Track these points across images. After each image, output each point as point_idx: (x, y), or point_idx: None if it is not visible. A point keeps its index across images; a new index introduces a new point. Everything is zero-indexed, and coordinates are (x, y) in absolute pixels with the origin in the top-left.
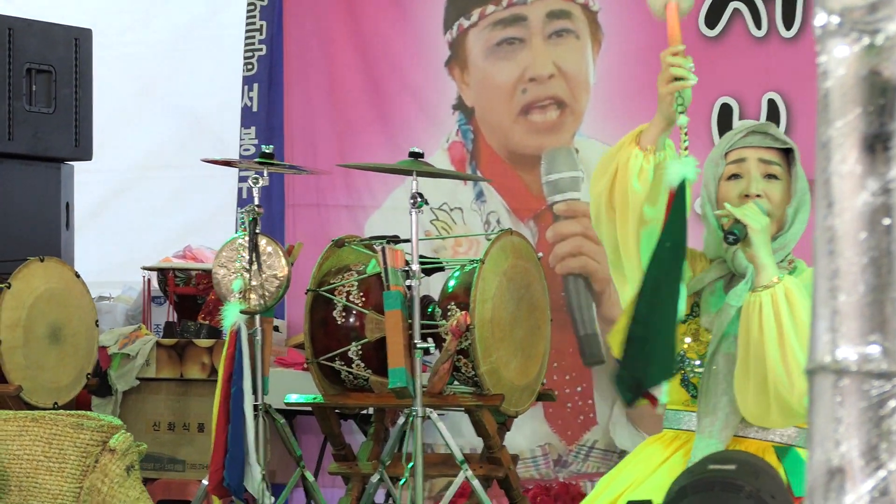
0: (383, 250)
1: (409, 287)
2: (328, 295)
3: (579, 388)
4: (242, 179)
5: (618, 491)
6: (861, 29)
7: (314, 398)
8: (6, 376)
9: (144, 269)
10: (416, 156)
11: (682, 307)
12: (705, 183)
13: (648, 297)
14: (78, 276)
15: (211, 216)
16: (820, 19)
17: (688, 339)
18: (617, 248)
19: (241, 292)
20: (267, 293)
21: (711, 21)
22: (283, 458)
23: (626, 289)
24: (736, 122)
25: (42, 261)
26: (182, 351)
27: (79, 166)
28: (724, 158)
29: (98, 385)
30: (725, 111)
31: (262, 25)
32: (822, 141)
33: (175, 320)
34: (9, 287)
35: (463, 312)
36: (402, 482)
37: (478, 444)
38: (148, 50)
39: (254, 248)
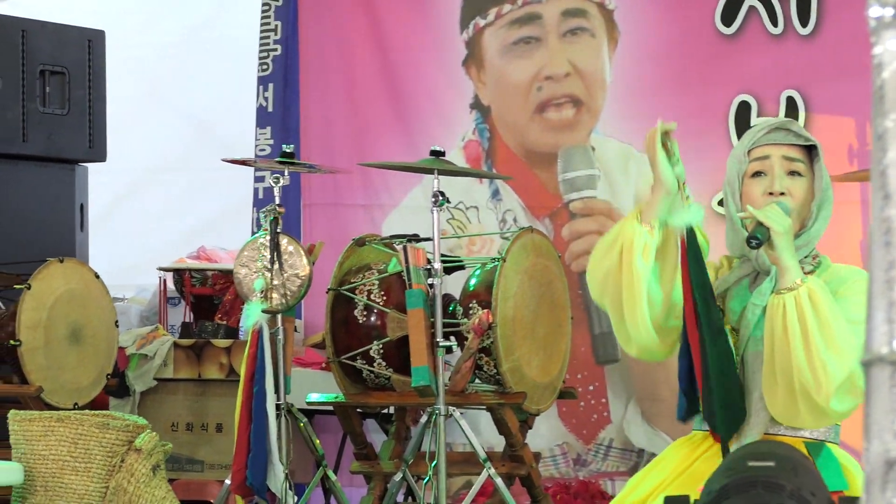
0: (405, 249)
1: (431, 285)
2: (349, 294)
3: (592, 387)
4: (259, 179)
5: (647, 490)
6: None
7: (336, 397)
8: (27, 377)
9: (160, 269)
10: (437, 154)
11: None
12: (729, 180)
13: (710, 351)
14: (97, 276)
15: (221, 217)
16: (875, 11)
17: None
18: (622, 317)
19: (262, 292)
20: (289, 292)
21: (728, 19)
22: (301, 457)
23: (630, 346)
24: (754, 120)
25: (62, 261)
26: (200, 351)
27: (88, 168)
28: (747, 156)
29: (116, 386)
30: (744, 109)
31: (276, 25)
32: (878, 133)
33: (191, 321)
34: (29, 288)
35: (485, 311)
36: (425, 481)
37: (495, 442)
38: (157, 52)
39: (275, 247)
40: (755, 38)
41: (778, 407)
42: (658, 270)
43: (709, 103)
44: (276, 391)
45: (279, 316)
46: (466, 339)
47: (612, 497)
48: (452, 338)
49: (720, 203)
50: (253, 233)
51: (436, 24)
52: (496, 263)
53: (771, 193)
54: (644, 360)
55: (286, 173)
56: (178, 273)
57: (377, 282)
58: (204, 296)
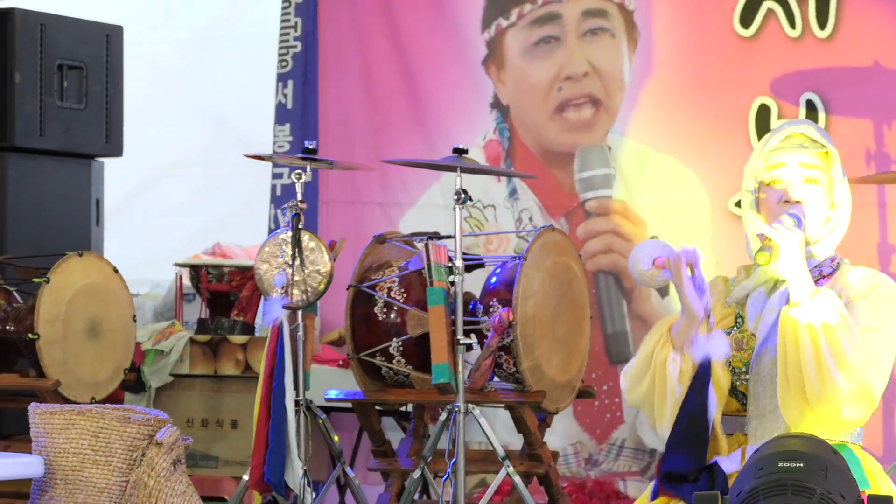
0: (427, 246)
1: (452, 283)
2: (369, 291)
3: (605, 387)
4: (276, 176)
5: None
6: None
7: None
8: (44, 371)
9: (177, 265)
10: (459, 152)
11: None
12: (746, 186)
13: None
14: (116, 270)
15: (237, 214)
16: None
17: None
18: (659, 426)
19: (283, 287)
20: (309, 289)
21: (746, 21)
22: (316, 454)
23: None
24: (774, 123)
25: (81, 255)
26: (216, 347)
27: (104, 163)
28: (764, 162)
29: (132, 381)
30: (764, 111)
31: (296, 22)
32: None
33: (207, 317)
34: (48, 282)
35: (505, 309)
36: (444, 478)
37: (509, 441)
38: (174, 48)
39: (297, 243)
40: (773, 41)
41: (793, 417)
42: None
43: (727, 105)
44: (296, 387)
45: (299, 312)
46: (486, 337)
47: (626, 497)
48: (473, 335)
49: (737, 204)
50: (270, 229)
51: (456, 24)
52: (517, 262)
53: (787, 202)
54: None
55: (308, 169)
56: (195, 269)
57: (397, 279)
58: (220, 292)
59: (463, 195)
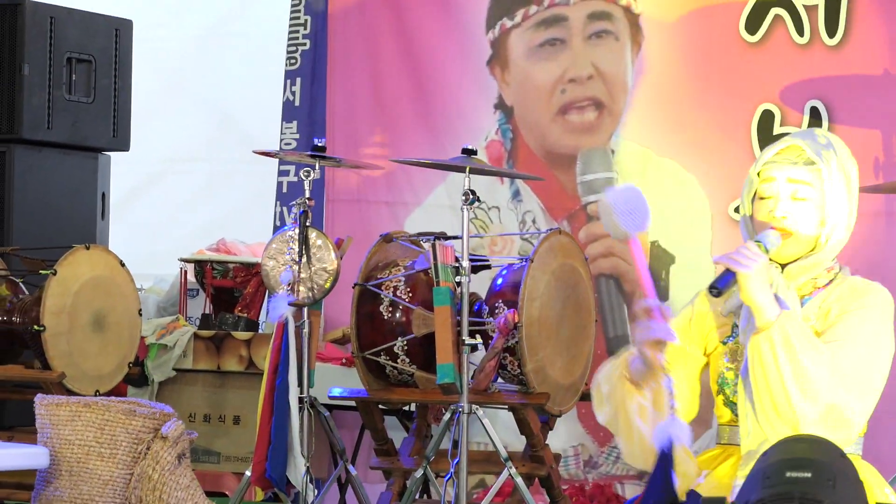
0: (433, 246)
1: (458, 283)
2: (375, 289)
3: None
4: (283, 174)
5: None
6: None
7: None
8: (49, 363)
9: (182, 260)
10: (469, 153)
11: None
12: (742, 199)
13: None
14: (123, 264)
15: (241, 210)
16: None
17: (726, 360)
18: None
19: (289, 284)
20: (315, 286)
21: (752, 26)
22: (318, 451)
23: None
24: (778, 130)
25: (87, 248)
26: (220, 343)
27: (111, 157)
28: (758, 176)
29: (136, 375)
30: (767, 118)
31: (306, 20)
32: None
33: (211, 312)
34: (55, 274)
35: (511, 310)
36: (446, 478)
37: (509, 442)
38: (183, 43)
39: (304, 240)
40: (780, 47)
41: (774, 436)
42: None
43: (731, 111)
44: (300, 384)
45: (305, 309)
46: (491, 338)
47: (625, 500)
48: (478, 336)
49: (737, 210)
50: (275, 227)
51: (461, 24)
52: (523, 264)
53: (775, 217)
54: None
55: (317, 167)
56: (200, 264)
57: (403, 278)
58: (224, 288)
59: (471, 196)
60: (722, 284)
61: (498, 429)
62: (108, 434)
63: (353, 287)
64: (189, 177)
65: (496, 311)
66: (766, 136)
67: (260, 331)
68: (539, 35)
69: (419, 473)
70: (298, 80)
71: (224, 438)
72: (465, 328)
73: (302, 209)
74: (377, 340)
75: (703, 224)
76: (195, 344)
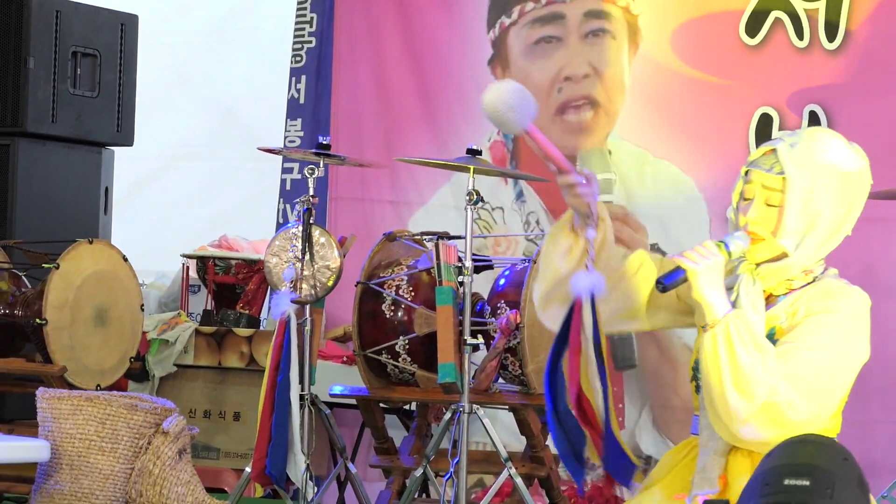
0: (437, 246)
1: (460, 283)
2: (378, 288)
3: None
4: (286, 171)
5: (649, 495)
6: None
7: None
8: (51, 356)
9: (184, 256)
10: (473, 153)
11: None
12: (732, 195)
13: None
14: (126, 259)
15: (244, 207)
16: None
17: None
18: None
19: (292, 282)
20: (318, 283)
21: (752, 30)
22: (318, 449)
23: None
24: (776, 133)
25: (91, 243)
26: (221, 339)
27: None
28: (744, 177)
29: (138, 370)
30: (765, 121)
31: (312, 18)
32: None
33: (212, 308)
34: (58, 268)
35: (513, 311)
36: (446, 477)
37: (507, 442)
38: (188, 39)
39: (307, 238)
40: (780, 51)
41: (718, 430)
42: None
43: (729, 114)
44: (301, 381)
45: (307, 307)
46: (493, 338)
47: (624, 502)
48: (479, 336)
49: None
50: (278, 224)
51: (464, 23)
52: (526, 265)
53: (747, 220)
54: None
55: (321, 165)
56: (202, 260)
57: (406, 277)
58: (226, 284)
59: (475, 196)
60: (668, 280)
61: (498, 429)
62: (110, 428)
63: (356, 285)
64: (193, 173)
65: (498, 311)
66: (765, 139)
67: (261, 327)
68: (535, 32)
69: (419, 472)
70: (303, 77)
71: (224, 435)
72: (468, 328)
73: (305, 206)
74: (379, 339)
75: (701, 227)
76: (196, 340)
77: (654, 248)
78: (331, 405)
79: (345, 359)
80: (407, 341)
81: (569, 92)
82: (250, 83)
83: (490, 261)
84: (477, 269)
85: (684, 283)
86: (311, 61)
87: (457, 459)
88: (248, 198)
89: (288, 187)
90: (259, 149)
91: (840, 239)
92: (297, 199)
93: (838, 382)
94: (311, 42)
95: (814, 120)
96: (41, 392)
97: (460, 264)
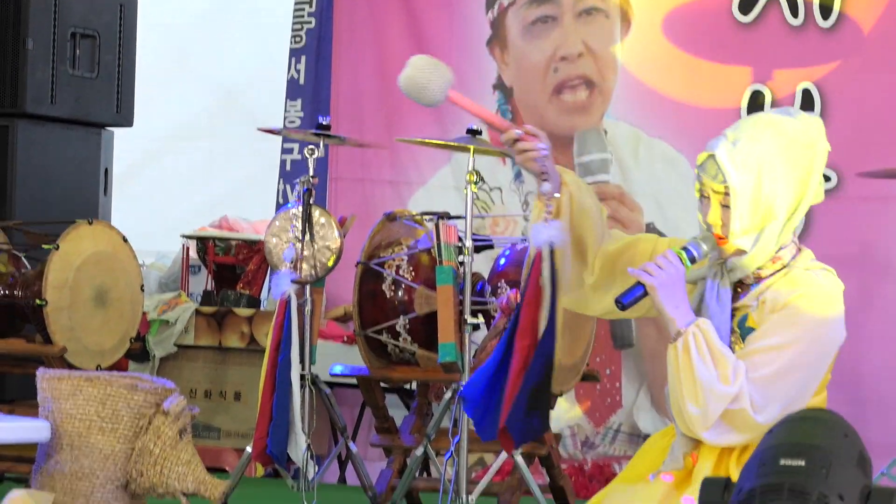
0: (437, 225)
1: (461, 263)
2: (378, 268)
3: (608, 371)
4: (286, 151)
5: (634, 472)
6: None
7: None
8: (51, 337)
9: (184, 236)
10: (473, 133)
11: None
12: (695, 193)
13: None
14: (125, 240)
15: (244, 188)
16: None
17: None
18: None
19: (292, 262)
20: (318, 264)
21: (746, 7)
22: (318, 428)
23: None
24: (767, 110)
25: (90, 223)
26: (221, 319)
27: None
28: (699, 177)
29: (138, 350)
30: (756, 98)
31: None
32: None
33: (213, 289)
34: (57, 248)
35: (513, 290)
36: (447, 456)
37: None
38: (187, 20)
39: (307, 218)
40: (773, 28)
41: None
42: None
43: (722, 91)
44: (301, 361)
45: (307, 287)
46: (494, 318)
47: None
48: (480, 316)
49: None
50: (278, 204)
51: (463, 4)
52: (527, 244)
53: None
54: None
55: (321, 145)
56: (202, 241)
57: (406, 257)
58: (226, 265)
59: (476, 176)
60: (626, 298)
61: None
62: (110, 408)
63: (356, 265)
64: (192, 153)
65: (499, 290)
66: None
67: (262, 308)
68: (532, 12)
69: (419, 451)
70: (303, 58)
71: (224, 414)
72: (468, 307)
73: (305, 187)
74: (379, 319)
75: (696, 205)
76: (197, 320)
77: (650, 228)
78: (331, 385)
79: (345, 338)
80: (407, 321)
81: (565, 72)
82: (250, 64)
83: (490, 240)
84: (477, 249)
85: (645, 297)
86: (310, 42)
87: (457, 438)
88: (249, 178)
89: (288, 168)
90: (259, 129)
91: (805, 210)
92: (298, 180)
93: (811, 375)
94: (310, 23)
95: (807, 98)
96: (41, 372)
97: (460, 244)
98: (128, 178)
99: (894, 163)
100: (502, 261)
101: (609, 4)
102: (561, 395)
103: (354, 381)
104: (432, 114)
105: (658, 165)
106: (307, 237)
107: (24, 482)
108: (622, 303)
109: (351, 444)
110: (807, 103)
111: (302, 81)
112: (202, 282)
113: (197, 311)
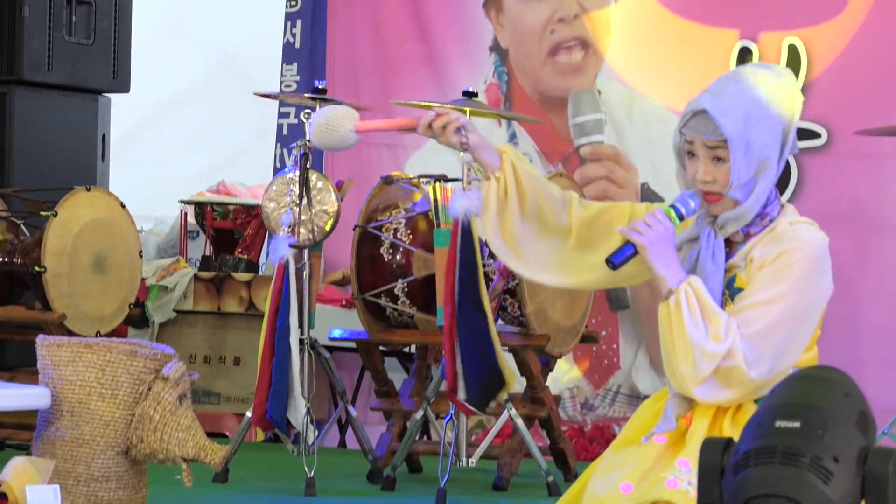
0: (434, 188)
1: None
2: (376, 231)
3: (604, 332)
4: (283, 115)
5: (629, 433)
6: None
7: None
8: (50, 304)
9: (182, 202)
10: (469, 95)
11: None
12: (674, 150)
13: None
14: (123, 206)
15: (241, 152)
16: None
17: None
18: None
19: (290, 226)
20: (316, 228)
21: None
22: (318, 392)
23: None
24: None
25: (88, 190)
26: (220, 284)
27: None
28: (681, 135)
29: (137, 316)
30: (744, 55)
31: None
32: None
33: (211, 254)
34: (55, 215)
35: None
36: (446, 419)
37: None
38: None
39: (304, 182)
40: None
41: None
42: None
43: (710, 48)
44: (300, 326)
45: (305, 251)
46: (492, 280)
47: None
48: None
49: None
50: (275, 169)
51: None
52: None
53: (699, 181)
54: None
55: (318, 109)
56: (200, 206)
57: (404, 220)
58: (225, 230)
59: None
60: (617, 258)
61: None
62: (110, 375)
63: (354, 229)
64: (189, 119)
65: None
66: None
67: (260, 272)
68: None
69: (419, 415)
70: (299, 21)
71: (224, 379)
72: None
73: (302, 151)
74: (377, 282)
75: None
76: (195, 285)
77: (645, 188)
78: (330, 349)
79: (344, 302)
80: (405, 284)
81: (561, 33)
82: (246, 29)
83: None
84: None
85: (635, 256)
86: (306, 5)
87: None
88: (246, 143)
89: (285, 132)
90: (255, 94)
91: (784, 160)
92: (294, 144)
93: (801, 329)
94: None
95: (793, 53)
96: (41, 339)
97: None
98: (125, 145)
99: (884, 119)
100: None
101: None
102: (560, 357)
103: (353, 344)
104: (428, 76)
105: (652, 126)
106: (304, 201)
107: (25, 449)
108: (613, 262)
109: (350, 408)
110: (793, 59)
111: (298, 45)
112: (200, 247)
113: (195, 277)
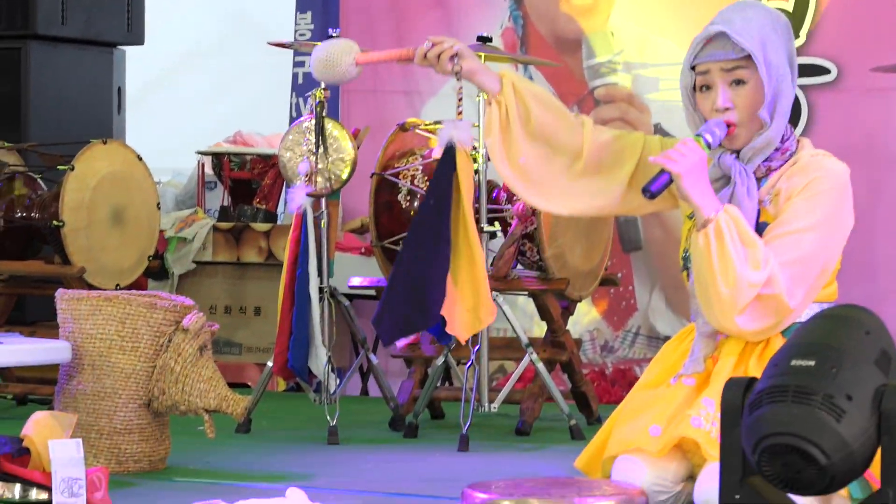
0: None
1: (476, 171)
2: (393, 179)
3: (620, 274)
4: (298, 65)
5: (653, 375)
6: None
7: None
8: (69, 258)
9: (199, 153)
10: (483, 40)
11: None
12: (682, 92)
13: (413, 252)
14: (140, 158)
15: (258, 102)
16: None
17: (690, 237)
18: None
19: (307, 175)
20: (333, 176)
21: None
22: (338, 341)
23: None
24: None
25: (105, 143)
26: (238, 235)
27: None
28: (692, 70)
29: (157, 268)
30: None
31: None
32: None
33: (229, 204)
34: (72, 169)
35: None
36: (468, 365)
37: (528, 328)
38: None
39: (320, 131)
40: None
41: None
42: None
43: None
44: (319, 274)
45: (323, 200)
46: (510, 225)
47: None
48: (496, 223)
49: None
50: (291, 118)
51: None
52: None
53: (717, 110)
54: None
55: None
56: (217, 157)
57: (421, 167)
58: (242, 180)
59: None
60: (654, 187)
61: (518, 315)
62: (130, 327)
63: (371, 177)
64: (205, 70)
65: (514, 197)
66: None
67: (278, 222)
68: None
69: (440, 361)
70: None
71: (245, 330)
72: (484, 215)
73: (318, 100)
74: (395, 230)
75: None
76: (214, 236)
77: (658, 129)
78: (350, 297)
79: (362, 250)
80: None
81: None
82: None
83: None
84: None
85: (670, 184)
86: None
87: (478, 347)
88: (263, 93)
89: (300, 81)
90: (269, 43)
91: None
92: (309, 93)
93: (831, 258)
94: None
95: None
96: (60, 293)
97: (474, 152)
98: (142, 97)
99: (894, 55)
100: None
101: None
102: (580, 300)
103: (373, 292)
104: (442, 22)
105: (664, 66)
106: (321, 150)
107: (47, 404)
108: (651, 191)
109: (371, 355)
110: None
111: None
112: (218, 198)
113: (214, 228)
